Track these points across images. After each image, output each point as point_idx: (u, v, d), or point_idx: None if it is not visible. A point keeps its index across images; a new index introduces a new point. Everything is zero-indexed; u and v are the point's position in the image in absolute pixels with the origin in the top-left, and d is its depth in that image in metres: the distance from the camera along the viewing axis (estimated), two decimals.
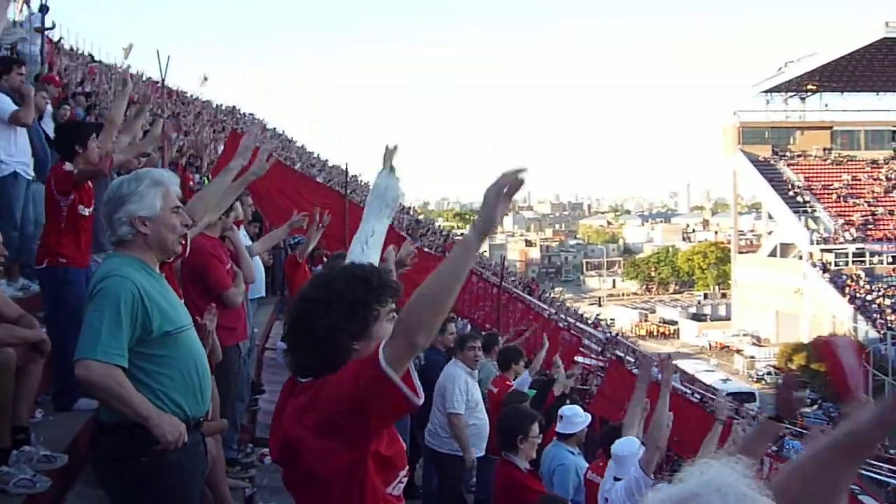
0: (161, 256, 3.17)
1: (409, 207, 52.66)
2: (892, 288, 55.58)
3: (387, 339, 2.04)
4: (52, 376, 4.94)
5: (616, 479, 4.91)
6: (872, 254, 58.33)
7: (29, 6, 12.42)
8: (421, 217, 50.63)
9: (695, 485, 1.35)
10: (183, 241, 3.22)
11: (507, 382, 8.04)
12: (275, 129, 40.38)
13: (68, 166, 5.27)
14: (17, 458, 3.84)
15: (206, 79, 34.16)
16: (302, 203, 10.56)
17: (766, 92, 69.13)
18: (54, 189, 5.23)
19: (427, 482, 7.29)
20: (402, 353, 2.01)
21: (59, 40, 12.91)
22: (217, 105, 35.10)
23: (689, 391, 24.37)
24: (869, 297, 53.89)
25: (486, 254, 68.27)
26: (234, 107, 37.46)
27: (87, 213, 5.30)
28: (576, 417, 6.48)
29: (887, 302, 53.57)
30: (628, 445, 5.04)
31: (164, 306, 3.02)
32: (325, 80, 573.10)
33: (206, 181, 11.85)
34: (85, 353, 2.82)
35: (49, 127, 8.14)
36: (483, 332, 9.79)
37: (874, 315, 51.70)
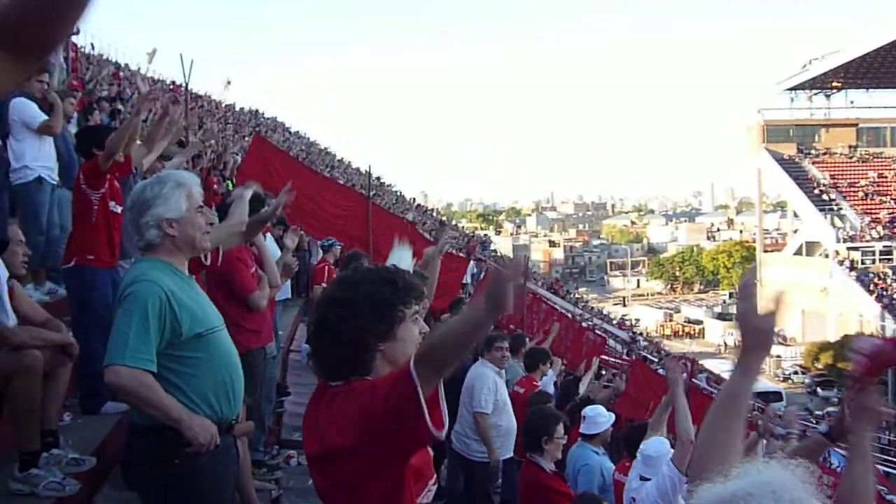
0: (191, 254, 3.18)
1: (433, 209, 52.76)
2: None
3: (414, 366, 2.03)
4: (79, 379, 4.97)
5: (643, 478, 4.86)
6: None
7: None
8: (444, 218, 50.66)
9: (749, 483, 1.33)
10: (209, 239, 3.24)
11: (534, 383, 8.05)
12: (297, 132, 40.60)
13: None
14: (47, 461, 3.88)
15: (229, 83, 34.39)
16: (326, 206, 10.63)
17: (790, 89, 68.42)
18: (83, 183, 5.25)
19: (451, 483, 7.28)
20: (429, 377, 2.01)
21: (82, 46, 13.01)
22: (240, 108, 35.32)
23: (715, 391, 24.14)
24: None
25: (511, 255, 68.40)
26: (256, 110, 37.68)
27: (119, 211, 5.30)
28: (599, 417, 6.46)
29: None
30: (658, 446, 4.99)
31: (194, 308, 3.03)
32: (325, 80, 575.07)
33: (231, 185, 11.93)
34: (114, 358, 2.84)
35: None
36: (507, 334, 9.78)
37: None
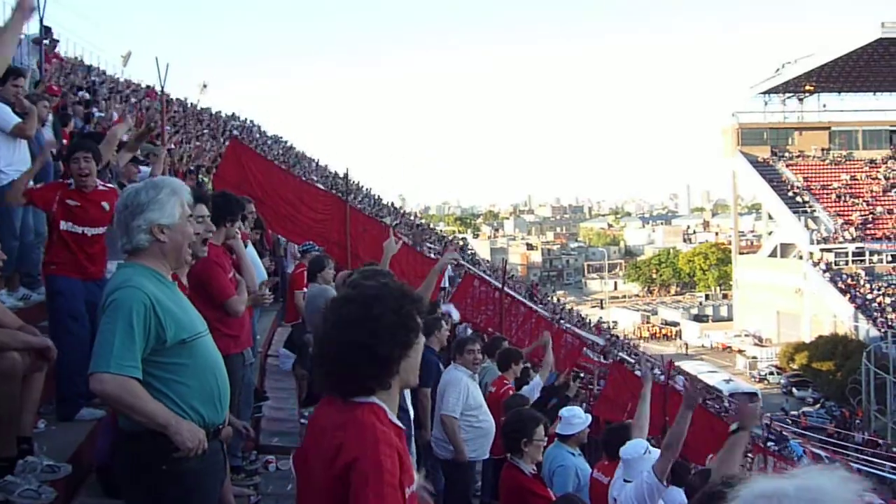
0: (175, 264, 3.17)
1: (411, 212, 52.73)
2: (892, 287, 55.63)
3: None
4: (55, 387, 4.93)
5: (626, 480, 4.90)
6: (872, 253, 58.37)
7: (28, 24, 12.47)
8: (422, 221, 50.64)
9: (793, 485, 1.32)
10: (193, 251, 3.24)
11: (505, 381, 8.10)
12: (274, 135, 40.44)
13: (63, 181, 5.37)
14: (22, 469, 3.83)
15: (205, 86, 34.16)
16: (304, 209, 10.60)
17: (764, 93, 69.27)
18: (36, 202, 5.38)
19: (432, 483, 7.26)
20: None
21: (53, 44, 12.83)
22: (216, 112, 35.10)
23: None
24: (869, 296, 53.91)
25: (489, 258, 68.48)
26: (233, 113, 37.48)
27: (79, 231, 5.30)
28: (574, 419, 6.50)
29: (888, 300, 53.58)
30: (635, 448, 5.05)
31: (178, 314, 3.01)
32: (302, 84, 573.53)
33: (206, 181, 11.87)
34: (98, 366, 2.80)
35: (49, 136, 8.13)
36: (484, 337, 9.83)
37: (875, 314, 51.71)
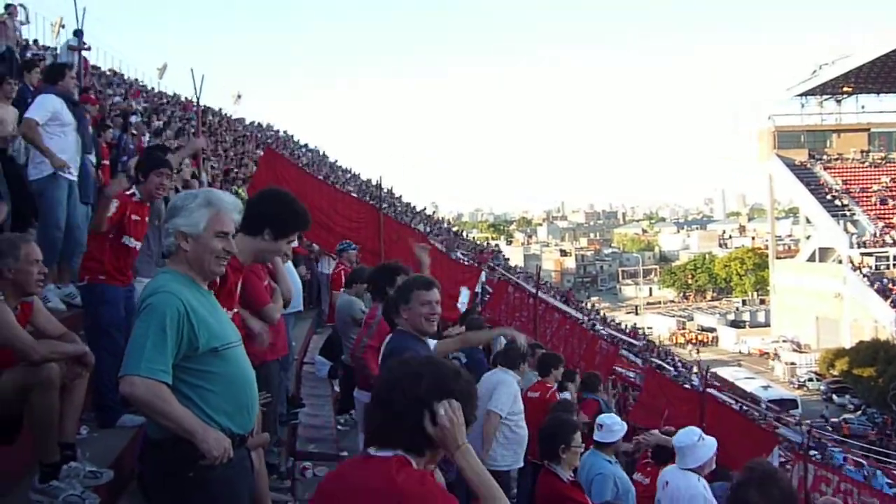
0: (200, 276, 3.16)
1: (444, 219, 52.79)
2: None
3: None
4: (92, 393, 5.00)
5: (682, 469, 5.30)
6: None
7: (64, 28, 12.71)
8: (455, 229, 50.67)
9: None
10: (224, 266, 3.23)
11: (547, 386, 8.11)
12: (306, 144, 40.74)
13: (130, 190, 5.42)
14: (66, 474, 3.89)
15: (239, 96, 34.58)
16: (337, 218, 10.67)
17: (800, 95, 68.29)
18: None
19: (462, 495, 7.25)
20: None
21: (87, 47, 13.06)
22: (251, 122, 35.48)
23: (734, 402, 24.06)
24: None
25: (522, 264, 68.29)
26: (268, 124, 37.85)
27: (133, 245, 5.40)
28: (615, 426, 6.44)
29: None
30: (688, 435, 5.38)
31: (212, 322, 3.03)
32: (335, 95, 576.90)
33: (240, 193, 11.98)
34: (129, 369, 2.83)
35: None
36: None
37: None
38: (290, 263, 6.96)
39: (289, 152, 28.61)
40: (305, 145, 39.96)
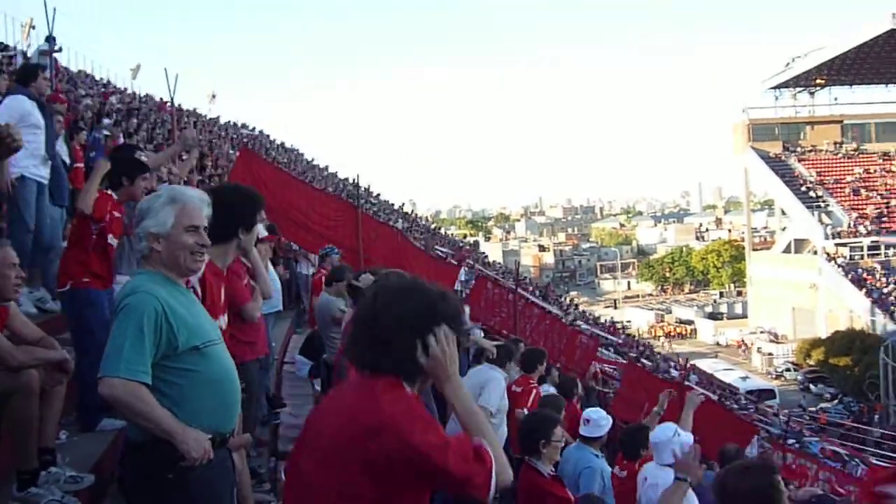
0: (177, 273, 3.13)
1: (422, 217, 52.73)
2: None
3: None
4: (76, 398, 4.96)
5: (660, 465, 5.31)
6: (888, 246, 57.73)
7: (34, 29, 12.57)
8: (433, 226, 50.62)
9: None
10: (201, 261, 3.20)
11: (530, 381, 8.12)
12: (282, 143, 40.53)
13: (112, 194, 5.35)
14: (45, 480, 3.86)
15: (214, 96, 34.34)
16: (315, 217, 10.64)
17: (774, 88, 68.86)
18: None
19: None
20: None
21: (58, 49, 12.88)
22: (226, 122, 35.23)
23: (713, 395, 24.17)
24: (886, 290, 53.40)
25: (501, 260, 68.40)
26: (244, 123, 37.60)
27: (115, 244, 5.34)
28: (602, 420, 6.47)
29: None
30: (664, 432, 5.42)
31: (191, 321, 3.01)
32: (309, 93, 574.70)
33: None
34: (108, 370, 2.82)
35: (63, 151, 8.17)
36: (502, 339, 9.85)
37: (891, 308, 51.13)
38: (269, 263, 6.95)
39: (264, 151, 28.44)
40: (282, 144, 39.74)
